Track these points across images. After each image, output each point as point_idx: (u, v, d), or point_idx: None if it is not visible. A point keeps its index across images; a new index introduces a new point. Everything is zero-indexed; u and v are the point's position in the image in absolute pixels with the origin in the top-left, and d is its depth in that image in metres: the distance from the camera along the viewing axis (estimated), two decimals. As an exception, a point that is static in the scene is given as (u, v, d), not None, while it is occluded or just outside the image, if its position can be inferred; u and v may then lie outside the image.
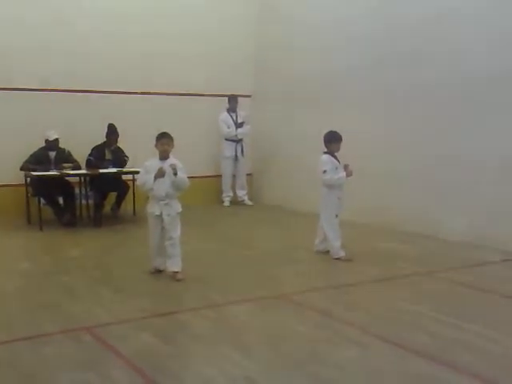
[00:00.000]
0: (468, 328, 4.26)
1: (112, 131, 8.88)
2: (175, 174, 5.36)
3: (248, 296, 5.00)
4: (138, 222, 8.56)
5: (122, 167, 8.78)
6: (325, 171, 6.19)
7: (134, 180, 8.60)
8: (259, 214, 9.55)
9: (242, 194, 10.36)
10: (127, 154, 8.95)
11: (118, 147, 8.97)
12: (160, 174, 5.39)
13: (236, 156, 10.18)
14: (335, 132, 6.29)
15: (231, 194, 10.34)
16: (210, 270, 5.90)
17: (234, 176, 10.34)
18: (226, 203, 10.26)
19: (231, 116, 10.16)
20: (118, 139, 8.93)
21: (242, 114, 10.21)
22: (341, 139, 6.25)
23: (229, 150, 10.16)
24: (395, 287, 5.34)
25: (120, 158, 8.88)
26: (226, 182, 10.30)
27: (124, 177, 8.95)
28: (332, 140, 6.24)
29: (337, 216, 6.32)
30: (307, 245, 6.79)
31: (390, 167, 8.16)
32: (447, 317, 4.48)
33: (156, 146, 5.49)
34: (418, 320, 4.43)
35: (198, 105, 10.23)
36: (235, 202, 10.33)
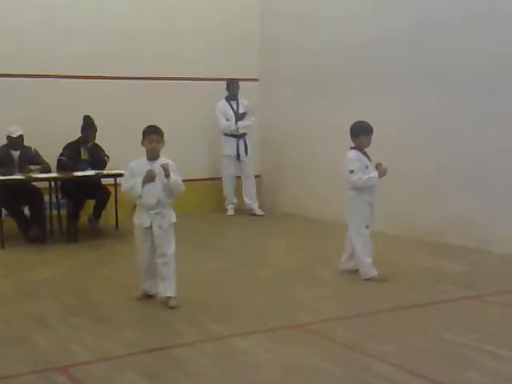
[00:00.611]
0: (529, 363, 4.30)
1: (88, 125, 8.95)
2: (168, 175, 5.43)
3: (258, 326, 5.04)
4: (121, 236, 8.63)
5: (102, 169, 8.85)
6: (352, 171, 6.22)
7: (116, 185, 8.68)
8: (270, 225, 9.60)
9: (249, 202, 10.32)
10: (107, 153, 9.04)
11: (96, 144, 9.05)
12: (149, 177, 5.44)
13: (238, 155, 10.19)
14: (364, 122, 6.32)
15: (235, 200, 10.38)
16: (211, 294, 5.95)
17: (238, 179, 10.37)
18: (230, 212, 10.31)
19: (231, 105, 10.19)
20: (96, 134, 9.01)
21: (244, 103, 10.24)
22: (371, 131, 6.28)
23: (229, 147, 10.17)
24: (438, 314, 5.37)
25: (99, 158, 8.96)
26: (228, 186, 10.33)
27: (104, 181, 9.03)
28: (361, 132, 6.27)
29: (368, 227, 6.36)
30: (331, 262, 6.83)
31: (423, 163, 8.20)
32: (503, 350, 4.50)
33: (143, 143, 5.54)
34: (467, 354, 4.45)
35: (193, 91, 10.31)
36: (242, 210, 10.36)
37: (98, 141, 9.06)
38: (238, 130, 10.14)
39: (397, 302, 5.67)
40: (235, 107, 10.20)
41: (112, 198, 8.98)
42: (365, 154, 6.33)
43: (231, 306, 5.58)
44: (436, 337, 4.78)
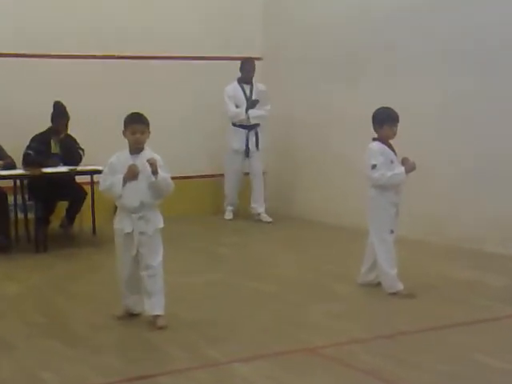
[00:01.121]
0: None
1: (60, 113, 8.96)
2: (155, 172, 5.42)
3: (261, 350, 5.05)
4: (99, 243, 8.63)
5: (76, 164, 8.86)
6: (374, 166, 6.24)
7: (93, 183, 8.70)
8: (276, 230, 9.61)
9: (255, 205, 10.18)
10: (82, 146, 9.05)
11: (69, 136, 9.06)
12: (131, 174, 5.44)
13: (248, 149, 10.03)
14: (389, 109, 6.34)
15: (236, 201, 10.31)
16: (206, 312, 5.96)
17: (241, 177, 10.25)
18: (228, 215, 10.28)
19: (243, 89, 10.04)
20: (69, 124, 9.02)
21: (259, 88, 10.08)
22: (397, 120, 6.30)
23: (237, 139, 9.98)
24: (475, 335, 5.37)
25: (72, 152, 8.97)
26: (231, 185, 10.20)
27: (78, 179, 9.04)
28: (385, 121, 6.29)
29: (392, 232, 6.38)
30: (348, 274, 6.85)
31: (454, 157, 8.20)
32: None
33: (124, 133, 5.55)
34: (509, 382, 4.47)
35: (183, 73, 10.32)
36: (243, 214, 10.28)
37: (71, 131, 9.07)
38: (248, 119, 10.00)
39: (426, 321, 5.68)
40: (248, 92, 10.05)
41: (88, 199, 8.97)
42: (390, 146, 6.34)
43: (229, 327, 5.59)
44: (473, 362, 4.78)
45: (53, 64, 9.53)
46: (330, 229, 9.46)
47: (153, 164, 5.40)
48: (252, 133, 10.06)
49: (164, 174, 5.49)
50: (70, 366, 4.79)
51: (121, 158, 5.57)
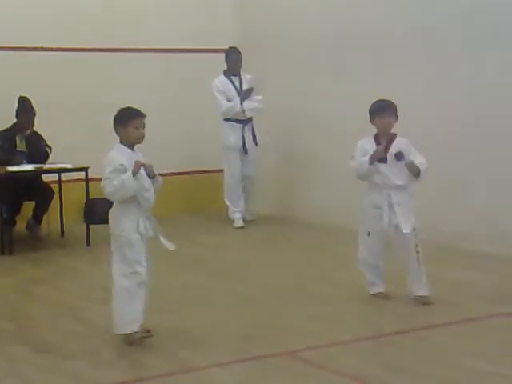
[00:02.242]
0: None
1: (25, 109, 8.95)
2: (154, 176, 5.32)
3: (240, 354, 5.06)
4: (68, 245, 8.63)
5: (43, 162, 8.83)
6: (352, 157, 6.25)
7: (60, 182, 8.68)
8: (255, 231, 9.63)
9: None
10: (49, 143, 8.99)
11: (35, 132, 9.04)
12: (138, 170, 5.22)
13: (244, 145, 9.74)
14: (381, 101, 6.28)
15: (242, 203, 9.86)
16: (182, 316, 5.97)
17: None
18: (238, 223, 9.74)
19: (232, 82, 9.82)
20: (35, 120, 9.00)
21: (247, 78, 9.84)
22: (388, 109, 6.18)
23: (233, 135, 9.69)
24: (465, 337, 5.40)
25: (38, 149, 8.94)
26: (233, 188, 9.77)
27: (45, 177, 9.03)
28: (375, 113, 6.21)
29: (369, 234, 6.30)
30: (331, 276, 6.92)
31: (444, 152, 8.20)
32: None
33: (123, 129, 5.30)
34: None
35: (148, 65, 10.32)
36: (222, 215, 10.09)
37: (37, 128, 9.05)
38: (244, 112, 9.70)
39: (411, 322, 5.72)
40: (237, 84, 9.84)
41: (56, 199, 8.98)
42: (390, 140, 6.20)
43: (207, 330, 5.60)
44: (460, 365, 4.81)
45: (18, 57, 9.49)
46: (316, 229, 9.42)
47: (150, 169, 5.29)
48: (248, 127, 9.81)
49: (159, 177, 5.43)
50: (38, 374, 4.78)
51: (126, 156, 5.31)
